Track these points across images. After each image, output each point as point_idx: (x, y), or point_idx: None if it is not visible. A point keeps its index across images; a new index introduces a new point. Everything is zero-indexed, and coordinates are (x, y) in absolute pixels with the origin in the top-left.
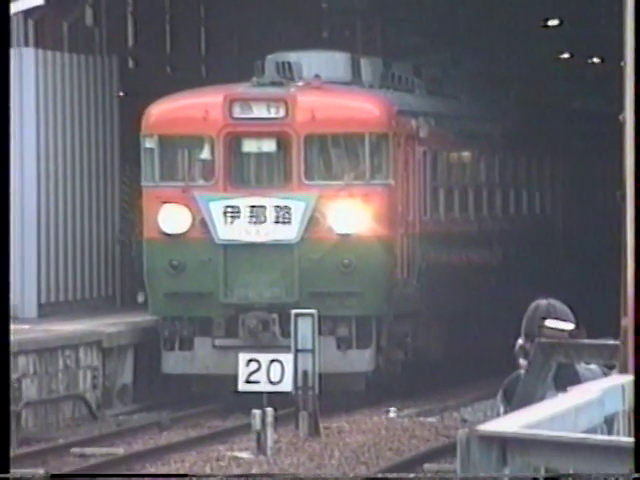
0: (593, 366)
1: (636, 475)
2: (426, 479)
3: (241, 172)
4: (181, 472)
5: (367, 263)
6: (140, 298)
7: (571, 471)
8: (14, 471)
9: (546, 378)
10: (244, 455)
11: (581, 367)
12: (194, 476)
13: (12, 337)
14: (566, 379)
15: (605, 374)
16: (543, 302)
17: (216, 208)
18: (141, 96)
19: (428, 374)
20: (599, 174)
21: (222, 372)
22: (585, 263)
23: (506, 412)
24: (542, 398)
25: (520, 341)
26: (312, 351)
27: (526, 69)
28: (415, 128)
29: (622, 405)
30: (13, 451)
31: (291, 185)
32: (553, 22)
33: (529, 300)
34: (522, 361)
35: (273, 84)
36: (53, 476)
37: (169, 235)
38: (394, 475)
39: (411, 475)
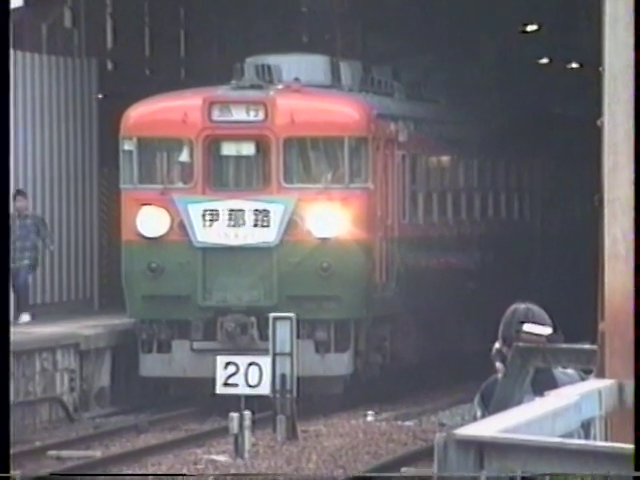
0: (570, 370)
1: (636, 474)
2: (408, 478)
3: (220, 175)
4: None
5: (346, 267)
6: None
7: (547, 478)
8: None
9: (523, 382)
10: (221, 458)
11: (558, 371)
12: (191, 475)
13: None
14: (543, 383)
15: (582, 378)
16: (521, 306)
17: (195, 211)
18: (120, 98)
19: (406, 378)
20: (577, 179)
21: (200, 375)
22: (563, 267)
23: (483, 416)
24: (519, 402)
25: (497, 345)
26: (290, 354)
27: (505, 74)
28: (394, 132)
29: (599, 410)
30: None
31: (270, 188)
32: (532, 27)
33: (507, 304)
34: (499, 365)
35: (252, 87)
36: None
37: (147, 238)
38: (376, 474)
39: (394, 474)
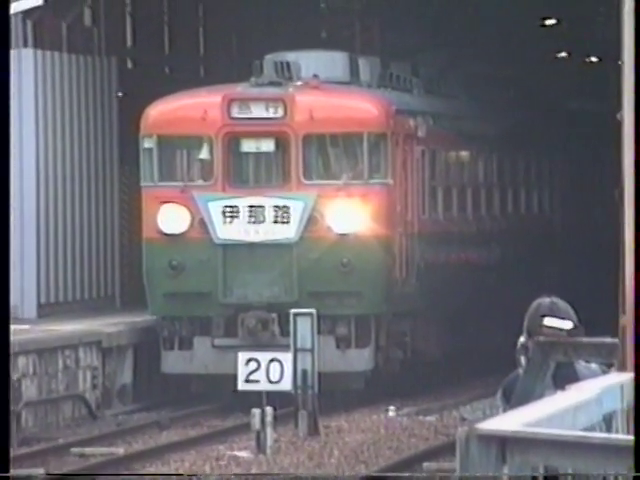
0: (593, 365)
1: (636, 474)
2: (425, 478)
3: (240, 172)
4: (180, 471)
5: (366, 262)
6: None
7: (570, 469)
8: (15, 471)
9: (545, 377)
10: (243, 454)
11: (580, 365)
12: (194, 475)
13: (12, 337)
14: (565, 377)
15: (604, 372)
16: (546, 300)
17: (215, 208)
18: (140, 96)
19: (427, 373)
20: (597, 173)
21: (221, 371)
22: (583, 262)
23: (505, 411)
24: (541, 396)
25: (522, 339)
26: (311, 350)
27: (524, 68)
28: (413, 128)
29: (620, 403)
30: (13, 451)
31: (290, 185)
32: (550, 21)
33: (527, 299)
34: (523, 359)
35: (271, 84)
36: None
37: (168, 235)
38: (393, 474)
39: (407, 475)
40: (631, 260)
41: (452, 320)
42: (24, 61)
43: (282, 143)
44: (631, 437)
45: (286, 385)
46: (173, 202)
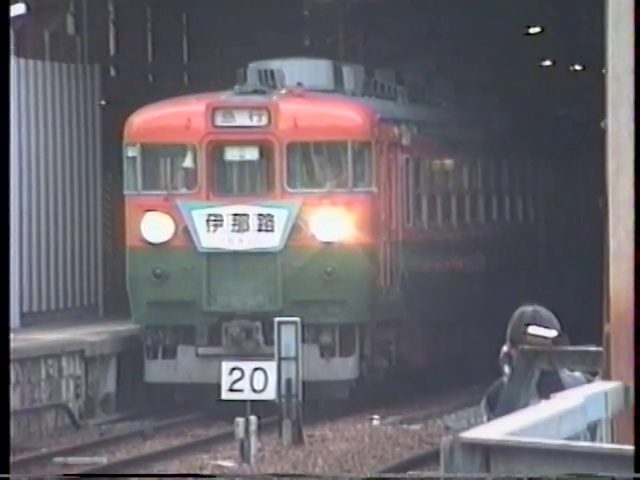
0: (577, 373)
1: (636, 475)
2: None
3: (224, 180)
4: None
5: (350, 271)
6: None
7: (554, 478)
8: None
9: (529, 385)
10: (228, 464)
11: (564, 374)
12: (204, 476)
13: None
14: (549, 386)
15: (588, 381)
16: (528, 308)
17: (199, 216)
18: (123, 104)
19: (412, 382)
20: (581, 181)
21: (205, 381)
22: (568, 270)
23: (489, 419)
24: (525, 405)
25: (505, 348)
26: (295, 359)
27: (509, 76)
28: (398, 136)
29: (605, 412)
30: None
31: (274, 193)
32: (535, 30)
33: (512, 307)
34: (507, 368)
35: (255, 92)
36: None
37: (152, 244)
38: (392, 475)
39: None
40: (621, 264)
41: (437, 328)
42: None
43: (266, 151)
44: (615, 445)
45: (270, 394)
46: (157, 210)
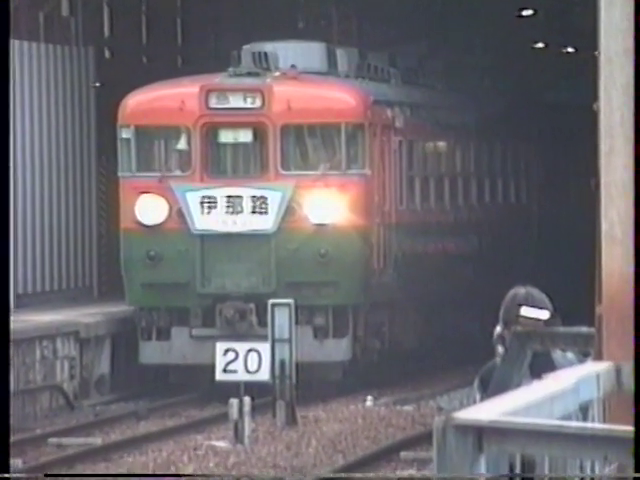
0: (569, 354)
1: (636, 475)
2: (406, 479)
3: (218, 162)
4: (158, 462)
5: (343, 253)
6: None
7: (546, 458)
8: None
9: (522, 366)
10: (221, 444)
11: (557, 354)
12: (202, 476)
13: None
14: (542, 367)
15: (581, 361)
16: (521, 290)
17: (193, 198)
18: (117, 86)
19: (404, 363)
20: (574, 163)
21: (199, 362)
22: (560, 251)
23: (482, 400)
24: (518, 386)
25: (498, 329)
26: (289, 340)
27: (501, 59)
28: (391, 118)
29: (597, 392)
30: None
31: (267, 175)
32: (527, 12)
33: (505, 288)
34: (500, 349)
35: (249, 74)
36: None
37: (146, 226)
38: (343, 475)
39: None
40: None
41: (429, 310)
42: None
43: (260, 133)
44: (607, 426)
45: (264, 375)
46: (151, 192)
